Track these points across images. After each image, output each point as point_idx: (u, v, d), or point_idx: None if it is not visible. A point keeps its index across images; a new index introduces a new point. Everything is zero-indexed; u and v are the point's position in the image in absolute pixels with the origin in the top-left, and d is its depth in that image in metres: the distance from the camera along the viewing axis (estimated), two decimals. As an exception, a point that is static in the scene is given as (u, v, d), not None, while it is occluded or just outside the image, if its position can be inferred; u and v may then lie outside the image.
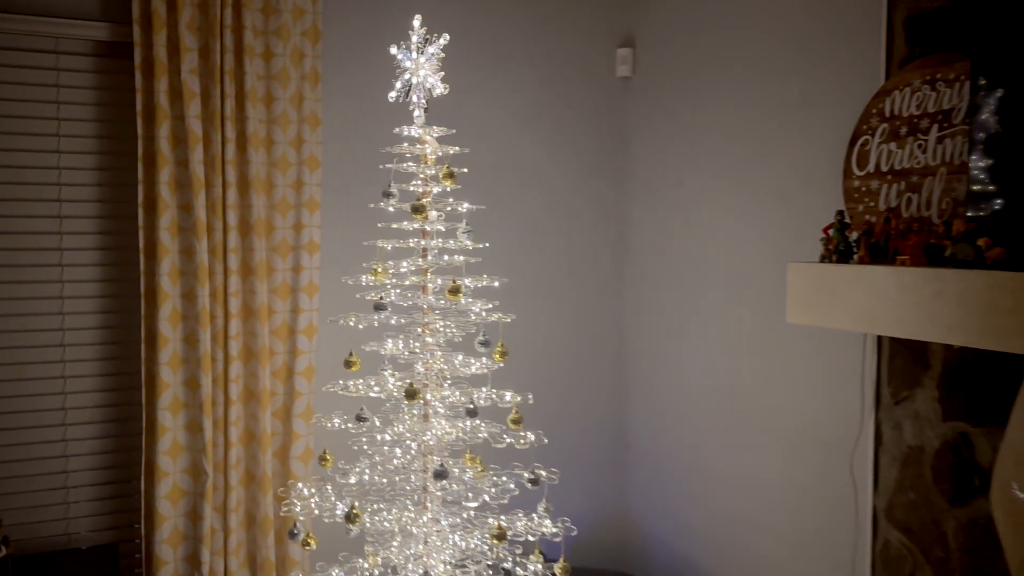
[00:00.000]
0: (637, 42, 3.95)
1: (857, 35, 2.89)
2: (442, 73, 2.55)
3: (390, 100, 2.65)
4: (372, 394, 2.55)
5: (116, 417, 3.32)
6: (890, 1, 2.73)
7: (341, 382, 2.75)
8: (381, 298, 2.56)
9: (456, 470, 2.60)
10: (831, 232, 2.62)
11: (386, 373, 2.75)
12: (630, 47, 3.97)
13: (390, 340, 2.62)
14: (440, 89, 2.54)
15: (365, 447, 2.75)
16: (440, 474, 2.42)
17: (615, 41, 3.99)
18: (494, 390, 2.63)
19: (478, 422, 2.66)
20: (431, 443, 2.58)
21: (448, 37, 2.51)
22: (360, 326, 2.63)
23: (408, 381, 2.54)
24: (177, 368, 3.26)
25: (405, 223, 2.67)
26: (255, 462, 3.37)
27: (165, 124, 3.18)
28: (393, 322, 2.68)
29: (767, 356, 3.25)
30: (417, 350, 2.58)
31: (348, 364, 2.66)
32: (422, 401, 2.64)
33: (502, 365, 2.64)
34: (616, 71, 4.00)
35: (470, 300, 2.60)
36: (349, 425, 2.70)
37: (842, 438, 2.89)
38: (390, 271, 2.59)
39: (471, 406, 2.49)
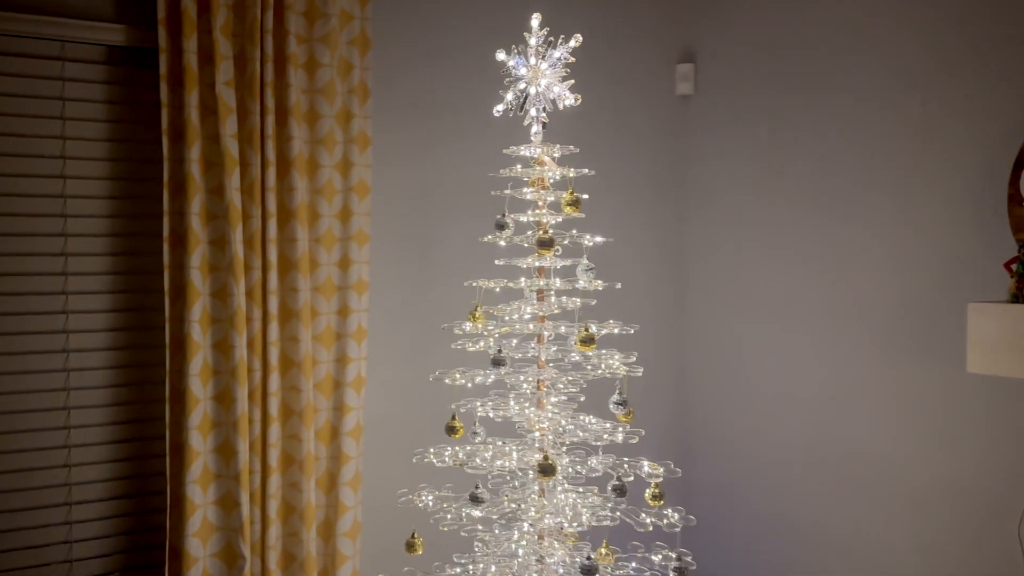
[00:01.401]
0: (699, 57, 3.61)
1: (1001, 41, 2.60)
2: (571, 81, 2.14)
3: (496, 114, 2.23)
4: (508, 467, 2.09)
5: (132, 492, 2.78)
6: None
7: (431, 450, 2.29)
8: (500, 351, 2.12)
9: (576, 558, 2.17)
10: (1015, 267, 2.30)
11: (480, 438, 2.31)
12: (691, 63, 3.62)
13: (512, 400, 2.18)
14: (570, 99, 2.13)
15: (459, 531, 2.29)
16: (590, 570, 1.97)
17: (674, 56, 3.64)
18: (626, 458, 2.21)
19: (599, 498, 2.23)
20: (556, 526, 2.13)
21: (580, 38, 2.11)
22: (469, 384, 2.18)
23: (540, 453, 2.09)
24: (208, 432, 2.74)
25: (521, 260, 2.24)
26: (296, 541, 2.87)
27: (196, 145, 2.69)
28: (489, 379, 2.25)
29: (889, 407, 2.90)
30: (552, 411, 2.14)
31: (451, 430, 2.21)
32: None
33: (635, 431, 2.22)
34: (676, 89, 3.65)
35: (603, 352, 2.18)
36: (444, 504, 2.24)
37: (1005, 502, 2.55)
38: (506, 316, 2.15)
39: (618, 482, 2.06)
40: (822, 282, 3.12)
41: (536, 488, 2.19)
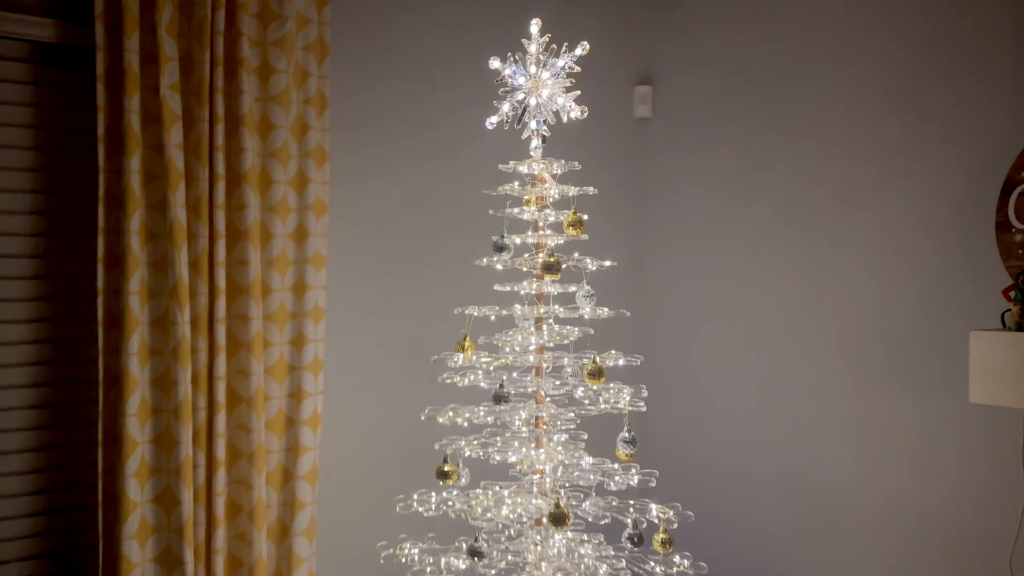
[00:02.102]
0: (656, 79, 3.51)
1: (982, 63, 2.58)
2: (576, 92, 1.98)
3: (489, 126, 2.05)
4: (517, 516, 1.88)
5: (60, 548, 2.44)
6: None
7: (415, 496, 2.07)
8: (502, 385, 1.91)
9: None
10: (1014, 294, 2.24)
11: (465, 480, 2.10)
12: (649, 85, 3.52)
13: (510, 440, 1.98)
14: (576, 112, 1.96)
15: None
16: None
17: (631, 78, 3.53)
18: (631, 501, 2.03)
19: (603, 546, 2.04)
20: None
21: (587, 46, 1.95)
22: (465, 423, 1.97)
23: (539, 498, 1.89)
24: (146, 480, 2.43)
25: (511, 285, 2.05)
26: (243, 599, 2.57)
27: (136, 155, 2.40)
28: (489, 417, 2.04)
29: (869, 437, 2.82)
30: (560, 452, 1.94)
31: (444, 475, 1.99)
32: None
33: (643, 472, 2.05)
34: (634, 111, 3.54)
35: (611, 385, 2.00)
36: (431, 559, 2.02)
37: (993, 533, 2.49)
38: (507, 347, 1.96)
39: (635, 531, 1.88)
40: (794, 308, 3.04)
41: (538, 538, 1.98)
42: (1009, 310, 2.35)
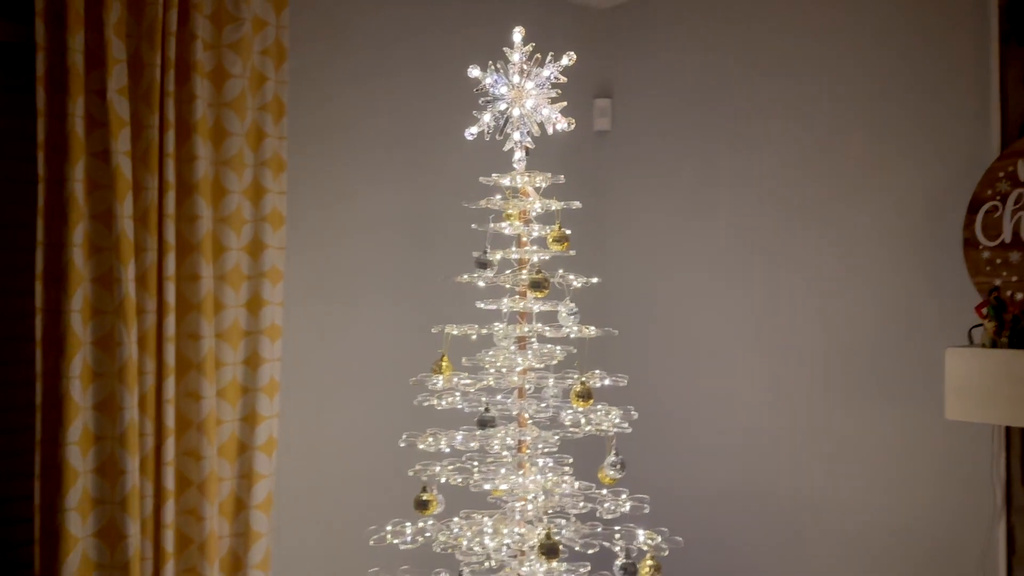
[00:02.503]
0: (616, 91, 3.47)
1: (947, 87, 2.60)
2: (563, 103, 1.90)
3: (469, 137, 1.95)
4: (508, 547, 1.77)
5: (-18, 592, 2.24)
6: (1003, 55, 2.45)
7: (388, 528, 1.94)
8: (487, 409, 1.81)
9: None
10: (987, 311, 2.24)
11: (440, 508, 1.99)
12: (608, 97, 3.48)
13: (504, 469, 1.87)
14: (563, 124, 1.88)
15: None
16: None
17: (591, 91, 3.47)
18: (616, 527, 1.95)
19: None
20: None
21: (574, 55, 1.87)
22: (447, 448, 1.86)
23: (540, 531, 1.79)
24: (88, 514, 2.25)
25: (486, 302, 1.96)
26: (192, 637, 2.40)
27: (80, 162, 2.23)
28: (471, 443, 1.94)
29: (833, 452, 2.81)
30: (550, 479, 1.85)
31: (423, 505, 1.87)
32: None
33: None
34: (593, 124, 3.48)
35: (599, 407, 1.92)
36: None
37: (962, 546, 2.49)
38: (492, 368, 1.86)
39: (628, 560, 1.79)
40: (759, 325, 3.01)
41: (523, 569, 1.88)
42: (979, 326, 2.36)
